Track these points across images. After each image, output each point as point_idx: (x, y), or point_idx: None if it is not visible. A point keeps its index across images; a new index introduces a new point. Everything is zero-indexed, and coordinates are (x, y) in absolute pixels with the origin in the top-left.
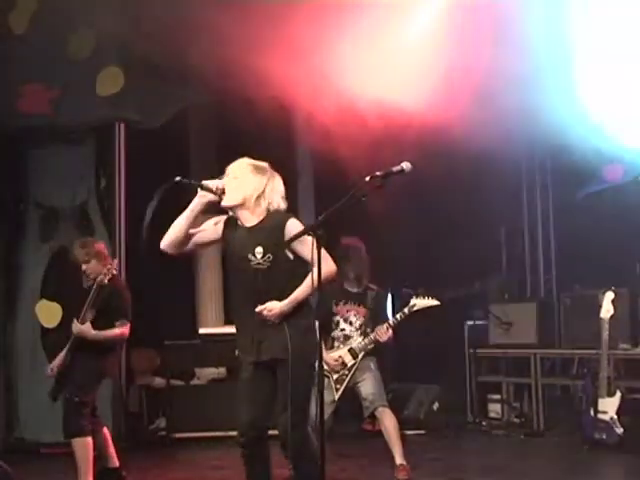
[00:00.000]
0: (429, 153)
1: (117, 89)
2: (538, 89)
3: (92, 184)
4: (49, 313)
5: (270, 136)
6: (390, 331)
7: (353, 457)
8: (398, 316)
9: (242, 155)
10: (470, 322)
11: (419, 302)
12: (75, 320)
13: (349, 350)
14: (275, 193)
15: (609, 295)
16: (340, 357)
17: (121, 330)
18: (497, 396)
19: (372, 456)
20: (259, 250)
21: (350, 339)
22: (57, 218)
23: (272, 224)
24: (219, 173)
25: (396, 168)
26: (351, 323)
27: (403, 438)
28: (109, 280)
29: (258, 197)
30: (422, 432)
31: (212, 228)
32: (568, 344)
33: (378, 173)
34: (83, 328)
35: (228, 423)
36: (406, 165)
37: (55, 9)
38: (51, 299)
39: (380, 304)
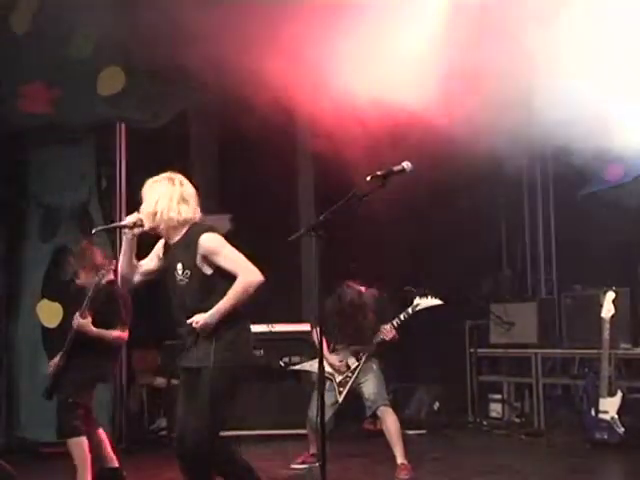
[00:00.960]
0: (430, 153)
1: (118, 89)
2: (539, 89)
3: (93, 184)
4: (50, 313)
5: (270, 136)
6: (393, 331)
7: (354, 457)
8: (402, 316)
9: (242, 155)
10: (471, 322)
11: (422, 301)
12: (77, 314)
13: (352, 352)
14: (167, 200)
15: (610, 295)
16: (344, 360)
17: (120, 333)
18: (498, 396)
19: (373, 456)
20: (179, 266)
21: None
22: (58, 218)
23: (188, 239)
24: (220, 173)
25: (397, 168)
26: None
27: (404, 438)
28: (107, 283)
29: (154, 214)
30: (423, 432)
31: (155, 256)
32: (569, 344)
33: (379, 173)
34: (84, 322)
35: (228, 422)
36: (407, 165)
37: (56, 9)
38: (52, 299)
39: (382, 307)
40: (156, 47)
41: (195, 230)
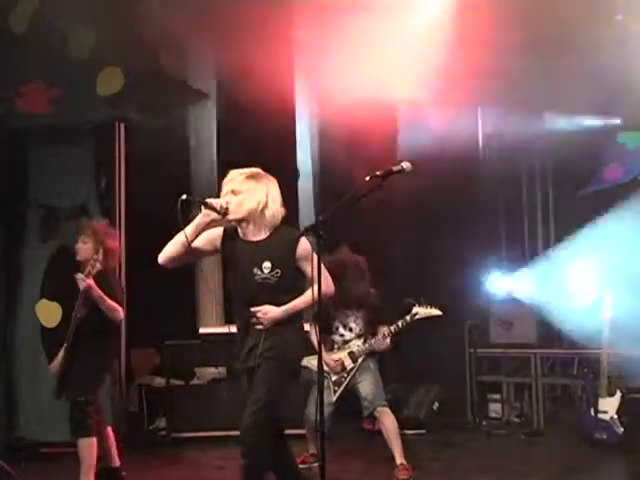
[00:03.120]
0: (429, 153)
1: (117, 89)
2: (539, 89)
3: (92, 184)
4: (49, 313)
5: (270, 136)
6: (388, 339)
7: (353, 457)
8: (400, 323)
9: (242, 155)
10: (470, 321)
11: (421, 311)
12: (80, 275)
13: (349, 354)
14: (275, 201)
15: (609, 295)
16: (340, 359)
17: (118, 306)
18: (497, 396)
19: (372, 456)
20: (267, 265)
21: (349, 343)
22: (57, 218)
23: (282, 240)
24: (218, 173)
25: (396, 167)
26: (351, 329)
27: (403, 438)
28: (101, 272)
29: (263, 209)
30: (422, 432)
31: (207, 241)
32: (568, 344)
33: (378, 173)
34: (91, 282)
35: (228, 423)
36: (406, 164)
37: (55, 9)
38: (51, 299)
39: (379, 308)
40: (155, 47)
41: (288, 232)
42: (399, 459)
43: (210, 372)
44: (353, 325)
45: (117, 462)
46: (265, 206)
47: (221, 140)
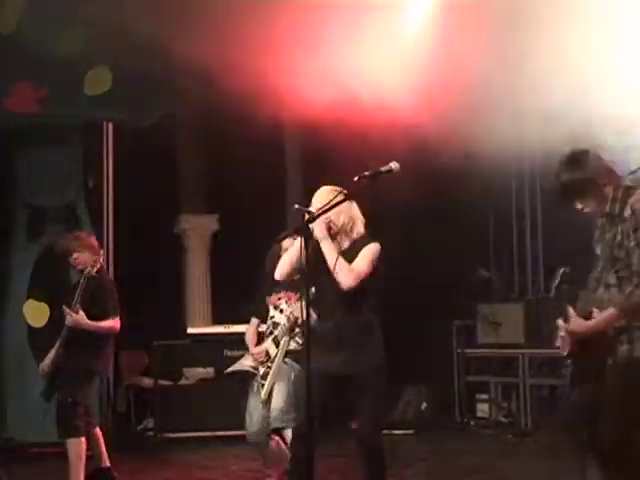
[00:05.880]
0: (419, 153)
1: (105, 89)
2: (530, 91)
3: (80, 184)
4: (36, 313)
5: (258, 135)
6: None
7: (341, 457)
8: None
9: (230, 155)
10: (458, 322)
11: None
12: (68, 311)
13: (273, 339)
14: (358, 218)
15: None
16: (263, 348)
17: (113, 323)
18: (485, 396)
19: None
20: None
21: (278, 326)
22: (45, 218)
23: (361, 246)
24: (208, 173)
25: (384, 168)
26: (281, 311)
27: (391, 438)
28: (97, 273)
29: (352, 225)
30: (410, 432)
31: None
32: (556, 344)
33: (366, 173)
34: (78, 317)
35: (216, 423)
36: (394, 165)
37: (44, 8)
38: (38, 299)
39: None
40: (144, 47)
41: (363, 242)
42: None
43: (198, 372)
44: (284, 306)
45: (107, 462)
46: (354, 221)
47: (209, 140)
